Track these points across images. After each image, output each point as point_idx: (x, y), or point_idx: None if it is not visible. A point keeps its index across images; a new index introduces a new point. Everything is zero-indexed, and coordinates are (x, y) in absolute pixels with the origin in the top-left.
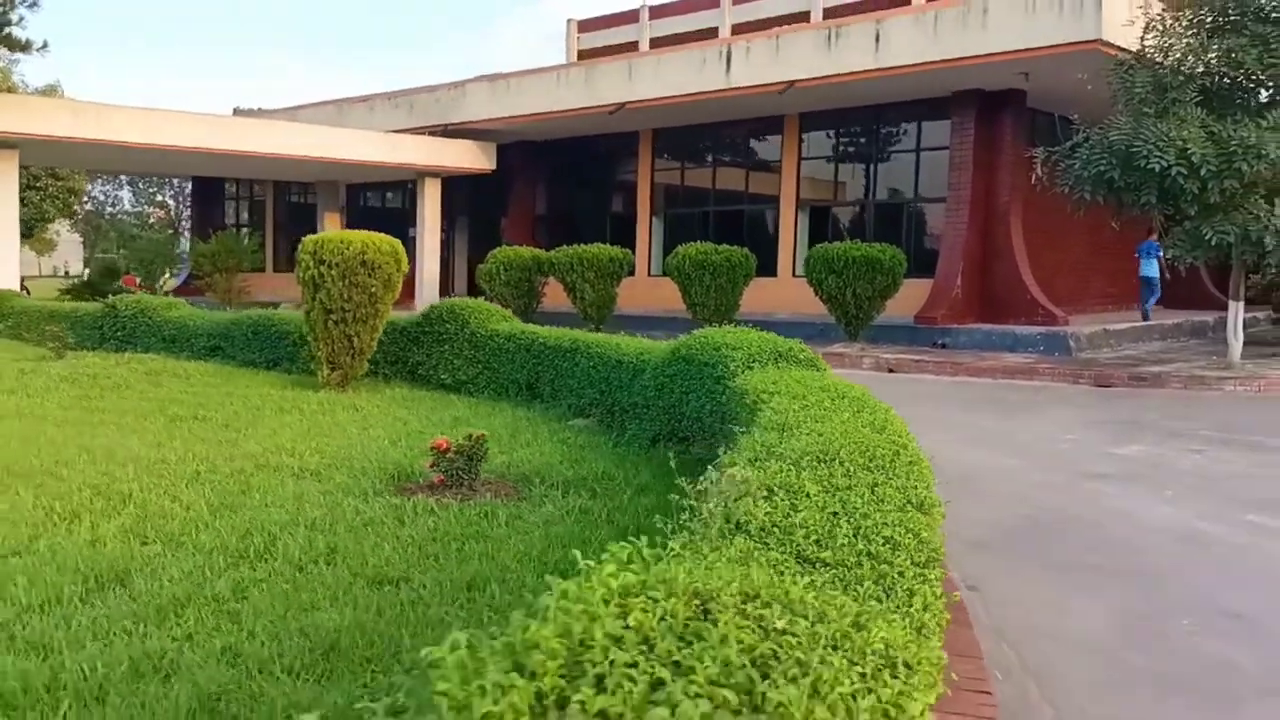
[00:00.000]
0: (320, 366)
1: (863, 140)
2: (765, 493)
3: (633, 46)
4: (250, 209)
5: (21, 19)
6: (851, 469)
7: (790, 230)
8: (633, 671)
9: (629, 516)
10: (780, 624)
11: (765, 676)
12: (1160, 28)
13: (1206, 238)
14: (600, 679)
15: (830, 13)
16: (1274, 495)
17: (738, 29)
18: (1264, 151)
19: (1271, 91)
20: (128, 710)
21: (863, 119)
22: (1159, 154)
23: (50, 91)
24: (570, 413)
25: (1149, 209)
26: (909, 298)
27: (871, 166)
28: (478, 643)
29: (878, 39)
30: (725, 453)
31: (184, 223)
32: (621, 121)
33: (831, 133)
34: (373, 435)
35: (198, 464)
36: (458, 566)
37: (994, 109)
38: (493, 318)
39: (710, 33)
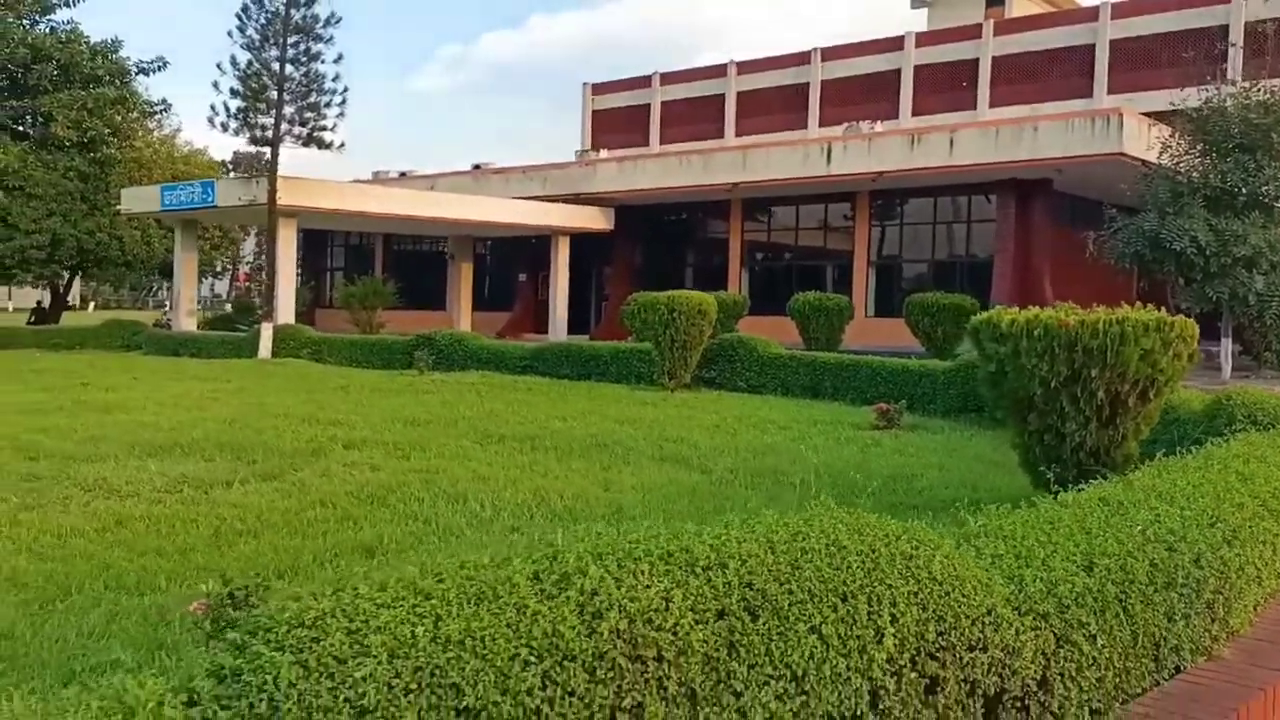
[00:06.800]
0: (663, 376)
1: (923, 212)
2: None
3: (644, 110)
4: (350, 255)
5: (334, 125)
6: None
7: (862, 282)
8: None
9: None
10: None
11: None
12: (1172, 149)
13: (1209, 295)
14: None
15: (825, 87)
16: None
17: (742, 97)
18: (1247, 239)
19: (1247, 199)
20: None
21: (923, 195)
22: (1178, 240)
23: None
24: (859, 404)
25: (1169, 274)
26: None
27: (932, 233)
28: None
29: (951, 144)
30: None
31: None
32: (719, 191)
33: (898, 205)
34: (763, 411)
35: (689, 423)
36: (892, 456)
37: (1029, 193)
38: (770, 346)
39: (716, 100)
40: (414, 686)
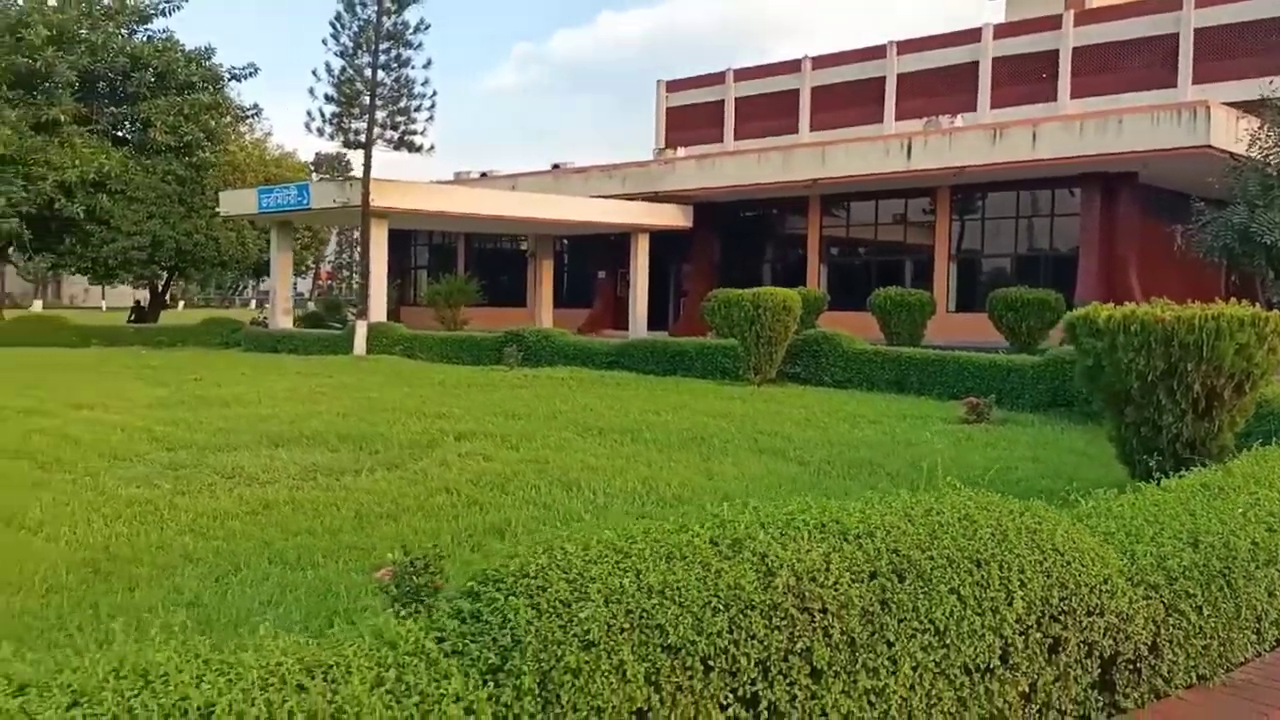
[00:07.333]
0: (749, 372)
1: (1005, 206)
2: None
3: (718, 106)
4: (434, 254)
5: (424, 129)
6: None
7: (944, 276)
8: None
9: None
10: None
11: None
12: (1260, 141)
13: None
14: None
15: (901, 80)
16: None
17: (817, 92)
18: None
19: None
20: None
21: (1005, 189)
22: (1269, 233)
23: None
24: (945, 399)
25: (1259, 268)
26: None
27: (1014, 226)
28: None
29: (1034, 138)
30: None
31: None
32: (798, 187)
33: (979, 199)
34: (850, 406)
35: (779, 417)
36: (984, 449)
37: (1113, 186)
38: (855, 341)
39: (790, 94)
40: (627, 626)
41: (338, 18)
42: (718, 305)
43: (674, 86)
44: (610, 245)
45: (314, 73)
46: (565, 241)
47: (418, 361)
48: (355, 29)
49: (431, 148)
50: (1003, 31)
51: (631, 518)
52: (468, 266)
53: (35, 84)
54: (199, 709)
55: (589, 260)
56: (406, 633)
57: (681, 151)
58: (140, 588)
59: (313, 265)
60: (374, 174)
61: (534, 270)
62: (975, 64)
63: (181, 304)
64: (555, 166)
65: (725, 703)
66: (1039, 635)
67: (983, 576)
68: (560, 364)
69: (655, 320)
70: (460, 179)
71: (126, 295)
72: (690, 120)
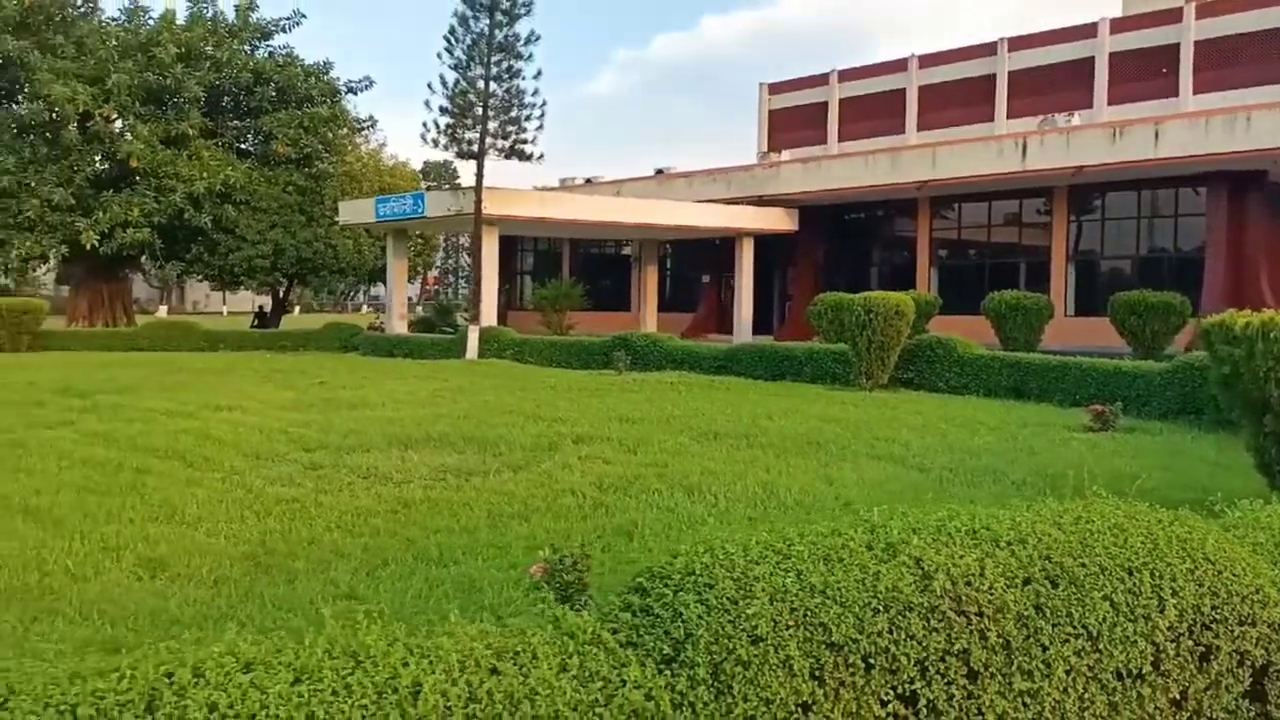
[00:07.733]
0: (860, 377)
1: (1126, 206)
2: None
3: (822, 108)
4: (539, 259)
5: (535, 138)
6: None
7: (1061, 279)
8: None
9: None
10: None
11: None
12: None
13: None
14: None
15: (1013, 78)
16: None
17: (924, 91)
18: None
19: None
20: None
21: (1126, 189)
22: None
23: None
24: (1067, 406)
25: None
26: None
27: (1135, 227)
28: None
29: (1156, 136)
30: None
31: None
32: (907, 189)
33: (1097, 199)
34: (967, 412)
35: (894, 423)
36: (1113, 458)
37: (1242, 185)
38: (970, 346)
39: (897, 95)
40: (792, 623)
41: (452, 32)
42: (826, 309)
43: (776, 89)
44: (714, 249)
45: (429, 86)
46: (669, 246)
47: (528, 365)
48: (469, 42)
49: (541, 156)
50: (1120, 26)
51: (756, 522)
52: (572, 271)
53: (165, 100)
54: (408, 687)
55: (693, 264)
56: (584, 623)
57: (786, 154)
58: (299, 580)
59: (421, 271)
60: (483, 182)
61: (638, 275)
62: (1090, 60)
63: (297, 309)
64: (659, 171)
65: (885, 699)
66: (1190, 643)
67: (1135, 584)
68: (668, 368)
69: (760, 324)
70: (566, 185)
71: (245, 300)
72: (793, 122)
